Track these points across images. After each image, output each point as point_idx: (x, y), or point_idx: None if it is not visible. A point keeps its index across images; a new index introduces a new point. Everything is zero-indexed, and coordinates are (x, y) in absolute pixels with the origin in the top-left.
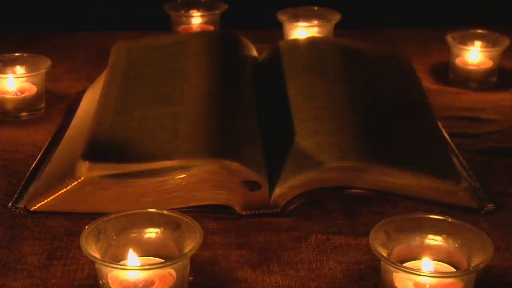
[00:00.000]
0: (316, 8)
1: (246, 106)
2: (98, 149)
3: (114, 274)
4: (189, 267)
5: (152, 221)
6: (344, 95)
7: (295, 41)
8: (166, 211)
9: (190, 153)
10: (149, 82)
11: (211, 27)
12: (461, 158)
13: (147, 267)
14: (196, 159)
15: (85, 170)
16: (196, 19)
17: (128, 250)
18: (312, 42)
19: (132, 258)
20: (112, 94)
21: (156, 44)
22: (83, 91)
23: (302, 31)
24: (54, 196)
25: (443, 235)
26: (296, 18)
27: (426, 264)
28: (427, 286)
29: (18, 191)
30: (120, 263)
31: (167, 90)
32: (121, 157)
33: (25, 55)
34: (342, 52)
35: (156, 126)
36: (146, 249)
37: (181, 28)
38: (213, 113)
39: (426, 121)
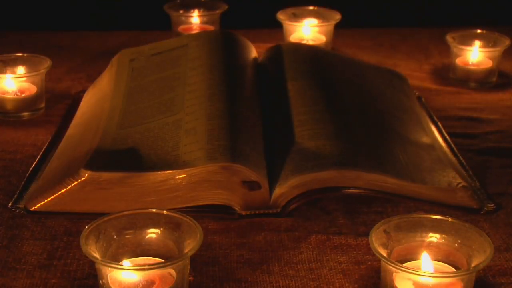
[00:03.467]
0: (316, 8)
1: (247, 107)
2: (100, 160)
3: (114, 274)
4: (189, 267)
5: (152, 221)
6: (343, 101)
7: (298, 45)
8: (166, 211)
9: (190, 162)
10: (151, 91)
11: (211, 27)
12: (461, 158)
13: (147, 267)
14: (196, 166)
15: (86, 179)
16: (196, 19)
17: (130, 251)
18: (314, 49)
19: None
20: (117, 107)
21: (157, 50)
22: (83, 91)
23: (302, 31)
24: (54, 196)
25: (443, 235)
26: (296, 18)
27: (425, 260)
28: (427, 286)
29: (18, 191)
30: (120, 263)
31: (168, 97)
32: (122, 167)
33: (25, 55)
34: (343, 62)
35: (157, 136)
36: (146, 249)
37: (181, 28)
38: (213, 116)
39: (420, 129)
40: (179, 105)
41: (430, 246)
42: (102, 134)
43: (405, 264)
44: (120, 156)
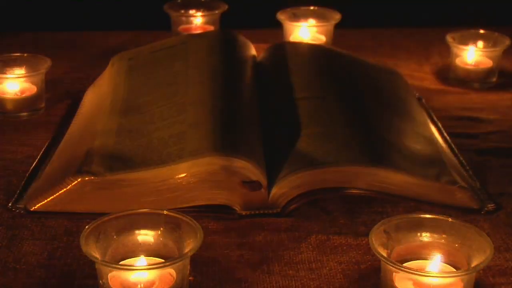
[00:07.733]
0: (316, 8)
1: (247, 106)
2: (100, 160)
3: (114, 274)
4: (189, 267)
5: (152, 221)
6: (340, 98)
7: (298, 43)
8: (166, 211)
9: (192, 155)
10: (151, 89)
11: (211, 27)
12: (461, 158)
13: (147, 267)
14: (198, 159)
15: (86, 179)
16: (196, 19)
17: (130, 251)
18: (314, 47)
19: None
20: (117, 106)
21: (156, 48)
22: (83, 91)
23: (302, 31)
24: (54, 196)
25: (443, 235)
26: (296, 18)
27: (434, 261)
28: (427, 286)
29: (18, 191)
30: (120, 263)
31: (169, 94)
32: (122, 166)
33: (25, 55)
34: (343, 59)
35: (158, 134)
36: (146, 249)
37: (181, 28)
38: (214, 113)
39: (418, 124)
40: (180, 101)
41: (430, 246)
42: (102, 133)
43: (405, 264)
44: (120, 156)
